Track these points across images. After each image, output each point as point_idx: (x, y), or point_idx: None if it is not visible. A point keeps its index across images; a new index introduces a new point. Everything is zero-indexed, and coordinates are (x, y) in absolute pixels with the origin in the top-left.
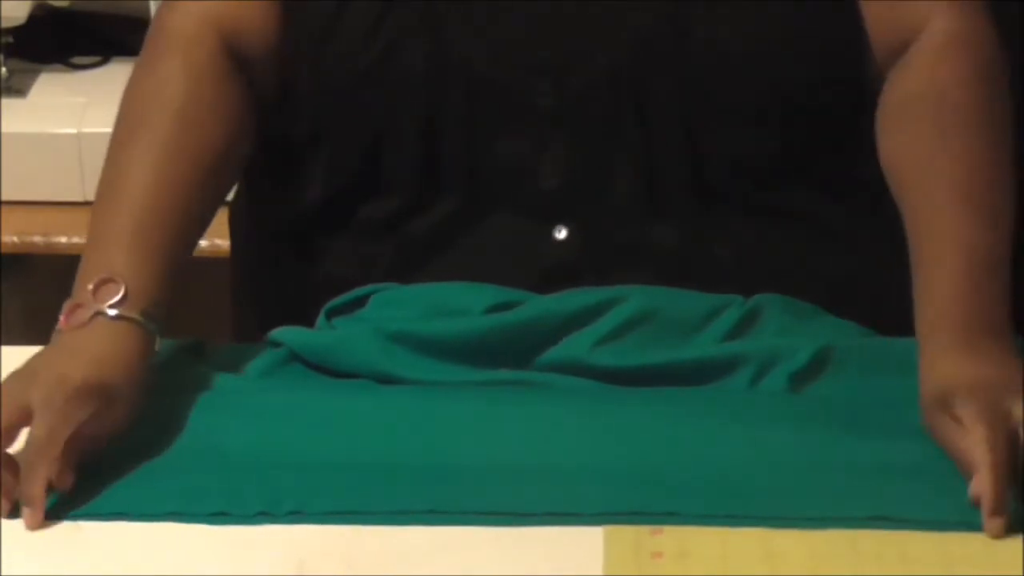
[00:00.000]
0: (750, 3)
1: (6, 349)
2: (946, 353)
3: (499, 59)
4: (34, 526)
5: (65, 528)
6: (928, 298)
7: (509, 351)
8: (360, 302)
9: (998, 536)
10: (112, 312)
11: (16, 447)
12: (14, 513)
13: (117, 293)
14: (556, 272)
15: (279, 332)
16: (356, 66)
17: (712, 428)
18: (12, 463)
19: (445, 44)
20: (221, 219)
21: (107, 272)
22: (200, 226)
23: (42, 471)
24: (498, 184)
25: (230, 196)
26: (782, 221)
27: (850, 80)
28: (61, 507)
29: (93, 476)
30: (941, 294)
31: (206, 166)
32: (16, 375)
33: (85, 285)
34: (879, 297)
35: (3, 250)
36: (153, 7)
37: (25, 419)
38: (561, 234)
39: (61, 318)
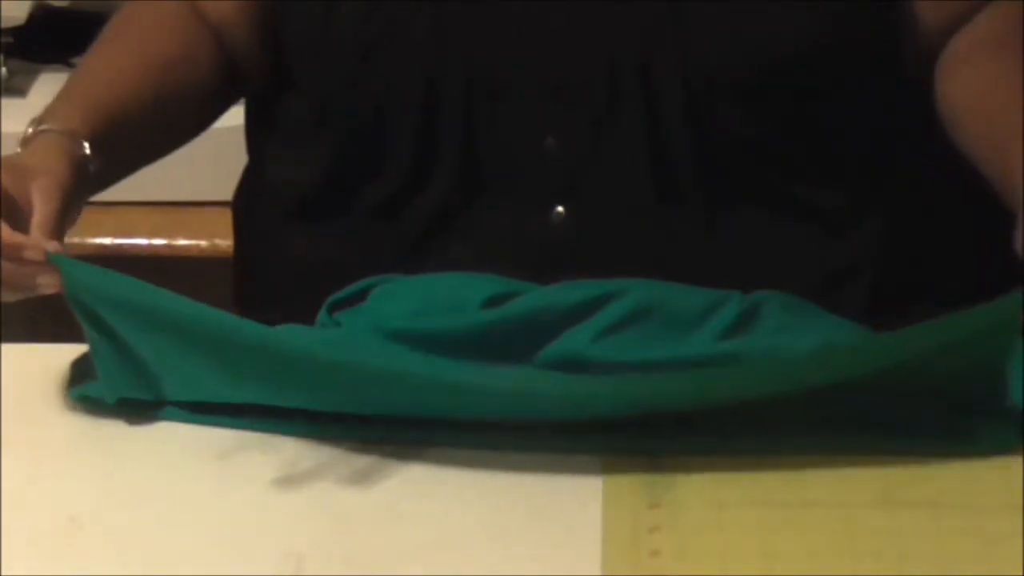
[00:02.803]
0: None
1: (6, 348)
2: None
3: (500, 37)
4: None
5: (65, 528)
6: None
7: (508, 347)
8: (361, 295)
9: None
10: (30, 130)
11: None
12: None
13: (50, 116)
14: (555, 254)
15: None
16: (357, 43)
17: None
18: None
19: (446, 20)
20: (221, 219)
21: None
22: (146, 112)
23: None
24: (498, 164)
25: (229, 197)
26: (785, 204)
27: (863, 57)
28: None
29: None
30: None
31: (153, 61)
32: None
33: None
34: (880, 287)
35: None
36: None
37: None
38: (560, 215)
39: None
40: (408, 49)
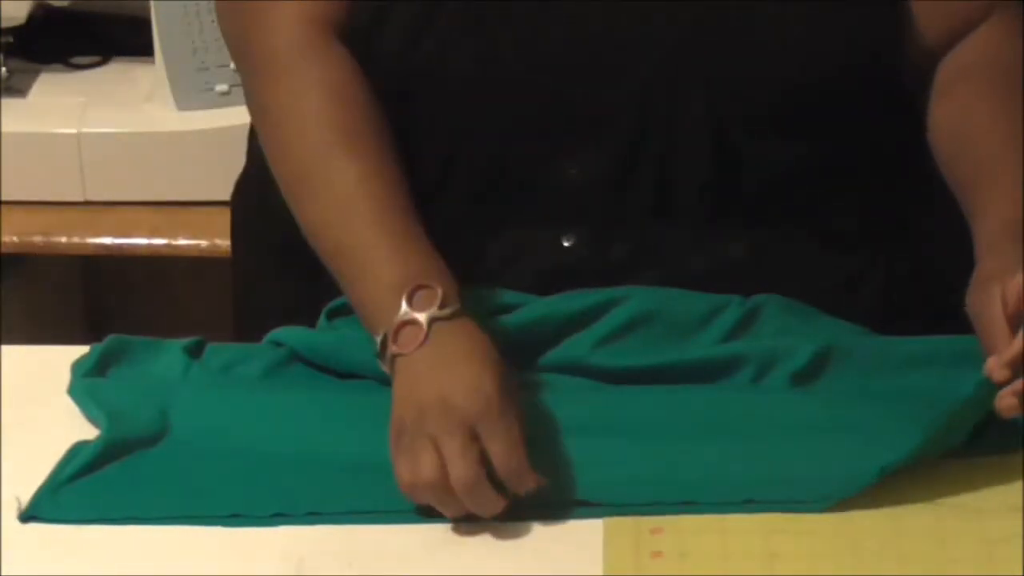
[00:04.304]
0: (781, 12)
1: (6, 349)
2: (1003, 251)
3: (537, 65)
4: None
5: (65, 528)
6: (984, 225)
7: (510, 353)
8: None
9: (1008, 411)
10: (446, 312)
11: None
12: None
13: (435, 296)
14: (564, 274)
15: (280, 332)
16: (403, 64)
17: (713, 423)
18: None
19: (491, 46)
20: (221, 219)
21: (407, 280)
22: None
23: (528, 479)
24: (518, 188)
25: (228, 196)
26: (792, 231)
27: (880, 85)
28: (68, 513)
29: (100, 481)
30: (997, 219)
31: (392, 146)
32: (404, 437)
33: (393, 300)
34: (882, 304)
35: (3, 250)
36: (153, 7)
37: (471, 457)
38: (571, 238)
39: (392, 346)
40: (446, 85)
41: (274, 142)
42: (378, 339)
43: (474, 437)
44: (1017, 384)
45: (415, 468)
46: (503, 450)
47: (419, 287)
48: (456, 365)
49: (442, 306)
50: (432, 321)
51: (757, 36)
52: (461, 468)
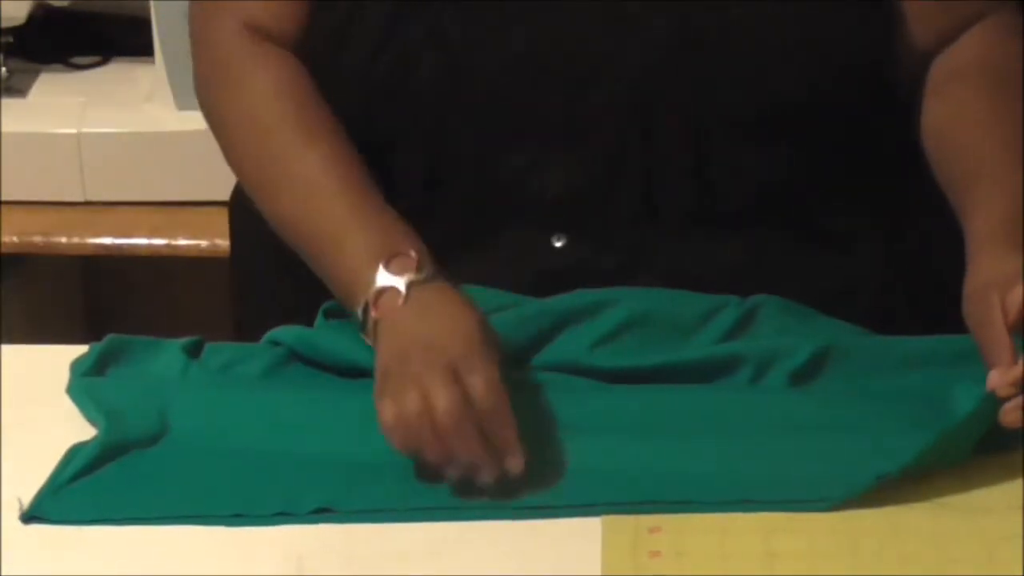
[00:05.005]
0: (764, 22)
1: (6, 349)
2: (999, 254)
3: (508, 73)
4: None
5: (65, 528)
6: (977, 222)
7: (506, 350)
8: None
9: (1012, 424)
10: (423, 275)
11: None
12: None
13: (411, 261)
14: (554, 281)
15: (278, 332)
16: (367, 79)
17: (711, 422)
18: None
19: (454, 58)
20: (221, 219)
21: (382, 249)
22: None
23: (507, 417)
24: (503, 199)
25: (228, 196)
26: (784, 234)
27: (863, 93)
28: (70, 513)
29: (101, 480)
30: (991, 217)
31: (343, 133)
32: (389, 380)
33: (370, 269)
34: (878, 306)
35: (3, 250)
36: (153, 7)
37: (454, 391)
38: (560, 243)
39: (372, 311)
40: (417, 86)
41: (233, 148)
42: (359, 310)
43: (456, 376)
44: (1020, 399)
45: (399, 406)
46: (483, 386)
47: (395, 254)
48: (437, 315)
49: (418, 270)
50: (410, 285)
51: (740, 44)
52: (444, 400)
